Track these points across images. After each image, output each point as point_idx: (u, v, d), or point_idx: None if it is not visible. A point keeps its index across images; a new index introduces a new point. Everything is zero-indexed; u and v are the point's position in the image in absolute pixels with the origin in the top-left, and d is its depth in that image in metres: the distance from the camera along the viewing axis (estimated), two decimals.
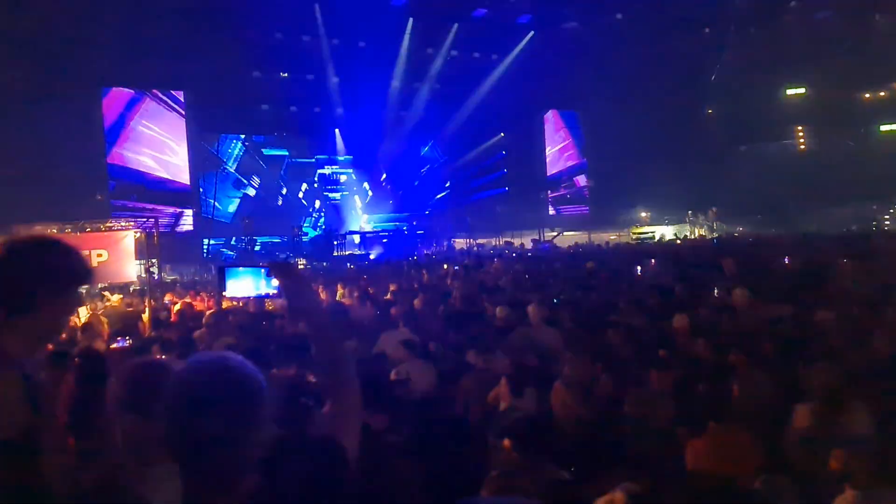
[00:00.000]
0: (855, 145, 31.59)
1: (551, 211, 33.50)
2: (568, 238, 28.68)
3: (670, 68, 29.33)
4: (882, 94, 32.04)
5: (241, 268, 2.45)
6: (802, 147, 33.51)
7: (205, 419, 1.53)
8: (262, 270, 2.35)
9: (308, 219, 28.99)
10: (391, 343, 6.75)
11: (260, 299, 8.99)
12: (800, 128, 33.43)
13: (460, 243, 28.52)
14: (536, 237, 28.73)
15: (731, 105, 31.57)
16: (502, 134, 31.73)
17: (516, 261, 18.75)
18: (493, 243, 28.55)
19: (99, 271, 14.48)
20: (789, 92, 33.01)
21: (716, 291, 9.04)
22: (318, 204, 29.62)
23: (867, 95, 32.28)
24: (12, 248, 1.96)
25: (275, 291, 2.29)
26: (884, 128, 31.86)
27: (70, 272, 2.03)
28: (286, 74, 27.63)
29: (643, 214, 31.66)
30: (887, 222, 27.52)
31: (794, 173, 29.53)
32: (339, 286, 12.72)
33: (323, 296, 11.47)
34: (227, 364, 1.62)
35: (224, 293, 2.51)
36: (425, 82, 29.85)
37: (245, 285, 2.44)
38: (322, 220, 29.38)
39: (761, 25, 30.57)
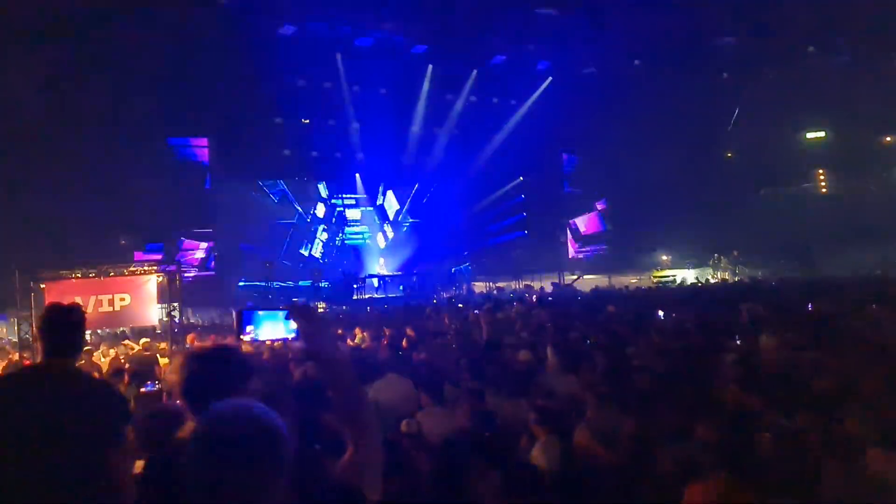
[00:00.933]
0: (876, 189, 31.40)
1: (571, 254, 33.41)
2: (588, 281, 28.54)
3: (689, 112, 29.44)
4: None
5: (260, 311, 2.44)
6: (824, 190, 33.37)
7: (230, 469, 1.52)
8: (282, 314, 2.34)
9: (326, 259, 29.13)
10: (396, 390, 6.60)
11: (282, 342, 8.93)
12: (820, 171, 33.34)
13: (480, 286, 28.48)
14: (556, 280, 28.62)
15: (751, 149, 31.56)
16: (521, 178, 31.87)
17: (536, 304, 18.64)
18: (513, 286, 28.47)
19: (121, 315, 14.62)
20: (809, 136, 33.01)
21: (737, 340, 8.91)
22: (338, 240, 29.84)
23: (888, 139, 32.18)
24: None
25: (294, 335, 2.26)
26: None
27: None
28: (307, 121, 28.07)
29: (664, 258, 31.50)
30: None
31: (815, 217, 29.35)
32: (357, 329, 12.70)
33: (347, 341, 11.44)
34: (251, 413, 1.61)
35: (242, 337, 2.49)
36: (445, 127, 30.16)
37: (264, 329, 2.42)
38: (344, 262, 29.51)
39: (780, 69, 30.70)
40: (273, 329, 2.38)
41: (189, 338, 14.47)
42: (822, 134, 32.79)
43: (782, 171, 32.18)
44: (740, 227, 28.68)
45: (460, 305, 18.82)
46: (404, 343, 10.99)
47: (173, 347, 13.72)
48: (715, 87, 30.90)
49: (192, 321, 19.56)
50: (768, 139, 31.40)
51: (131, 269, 15.49)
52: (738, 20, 28.42)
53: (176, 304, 15.56)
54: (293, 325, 2.20)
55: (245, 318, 2.43)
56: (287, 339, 2.34)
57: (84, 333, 3.28)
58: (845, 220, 27.88)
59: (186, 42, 22.31)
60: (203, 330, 16.74)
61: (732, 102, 31.53)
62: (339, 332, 12.38)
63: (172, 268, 16.12)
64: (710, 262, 29.60)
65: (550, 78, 30.46)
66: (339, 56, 26.70)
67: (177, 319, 15.58)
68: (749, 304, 11.05)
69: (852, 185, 31.63)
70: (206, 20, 22.56)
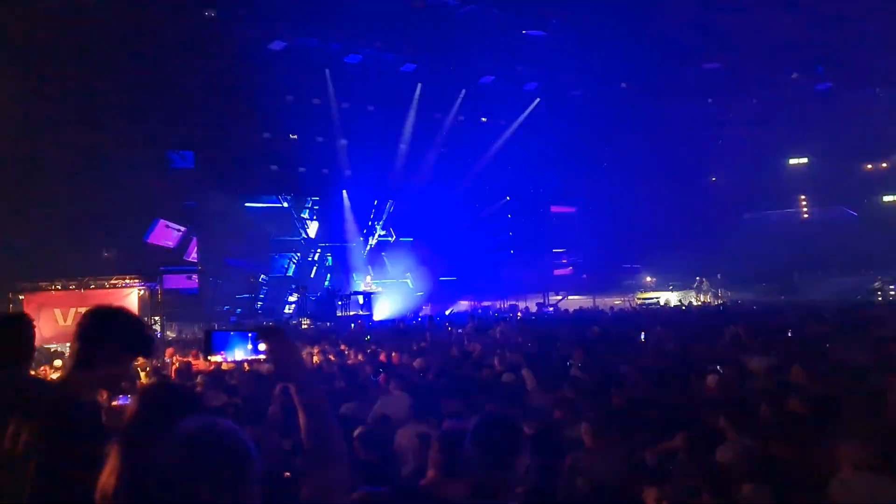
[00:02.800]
0: (858, 215, 31.79)
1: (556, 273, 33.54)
2: (572, 302, 28.63)
3: (675, 136, 29.76)
4: (883, 164, 32.42)
5: (230, 332, 2.40)
6: (806, 216, 33.73)
7: (195, 487, 1.51)
8: (250, 335, 2.30)
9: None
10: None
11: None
12: (803, 197, 33.72)
13: (465, 305, 28.48)
14: (541, 300, 28.67)
15: (735, 173, 31.89)
16: (508, 197, 31.99)
17: (521, 324, 18.67)
18: (498, 306, 28.49)
19: None
20: (792, 161, 33.40)
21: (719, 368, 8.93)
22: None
23: (869, 166, 32.63)
24: (89, 316, 2.55)
25: (263, 357, 2.22)
26: (886, 198, 32.11)
27: (128, 344, 2.58)
28: (295, 136, 28.06)
29: (648, 279, 31.65)
30: (892, 293, 27.43)
31: (797, 242, 29.65)
32: (343, 346, 12.67)
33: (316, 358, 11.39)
34: (216, 430, 1.61)
35: (209, 357, 2.45)
36: (433, 145, 30.27)
37: (233, 350, 2.39)
38: (327, 279, 29.43)
39: (764, 96, 31.11)
40: (244, 351, 2.35)
41: (168, 352, 14.33)
42: (804, 160, 33.20)
43: (765, 196, 32.52)
44: (724, 250, 28.90)
45: (448, 325, 18.80)
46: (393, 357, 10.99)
47: (154, 362, 13.57)
48: (700, 111, 31.26)
49: (173, 336, 19.38)
50: (752, 164, 31.75)
51: (112, 281, 15.38)
52: (724, 47, 28.79)
53: (157, 318, 15.46)
54: (262, 346, 2.17)
55: (215, 339, 2.40)
56: (256, 360, 2.31)
57: (27, 343, 3.20)
58: (826, 246, 28.19)
59: (174, 54, 22.27)
60: (183, 345, 16.58)
61: (717, 127, 31.87)
62: (325, 346, 12.34)
63: (155, 281, 16.03)
64: (694, 285, 29.78)
65: (538, 99, 30.69)
66: (328, 72, 26.77)
67: (158, 334, 15.46)
68: (732, 328, 11.11)
69: (834, 211, 32.00)
70: (195, 33, 22.57)
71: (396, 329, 18.78)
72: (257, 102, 23.99)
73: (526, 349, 11.51)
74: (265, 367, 9.37)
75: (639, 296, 29.21)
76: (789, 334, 12.09)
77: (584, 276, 32.84)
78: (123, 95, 21.69)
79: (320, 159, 28.66)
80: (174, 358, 13.86)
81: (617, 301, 28.30)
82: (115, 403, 7.35)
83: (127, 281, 15.52)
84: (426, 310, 26.60)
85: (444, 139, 30.27)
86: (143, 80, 21.89)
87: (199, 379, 9.39)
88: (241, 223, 27.20)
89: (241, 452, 1.58)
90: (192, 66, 22.57)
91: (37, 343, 3.27)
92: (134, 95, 21.89)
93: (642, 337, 13.00)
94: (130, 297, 14.76)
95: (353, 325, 22.56)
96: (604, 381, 7.76)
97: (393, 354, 11.83)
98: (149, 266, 22.69)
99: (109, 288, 14.92)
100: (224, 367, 10.12)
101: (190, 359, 13.27)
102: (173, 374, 11.22)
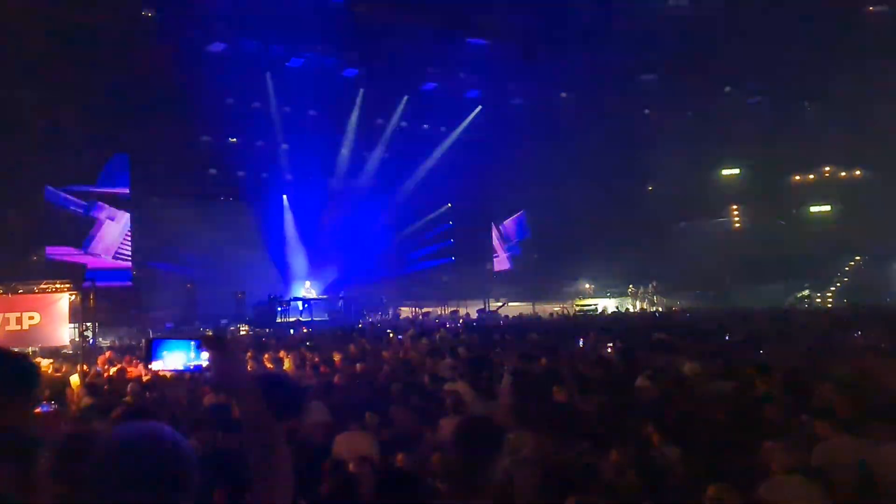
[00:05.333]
0: (787, 225, 32.96)
1: (496, 263, 33.83)
2: (513, 308, 28.88)
3: (613, 146, 30.38)
4: (811, 177, 33.71)
5: (172, 339, 2.37)
6: (737, 225, 34.81)
7: (134, 491, 1.50)
8: (193, 343, 2.27)
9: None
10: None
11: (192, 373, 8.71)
12: (735, 207, 34.80)
13: (406, 311, 28.44)
14: (482, 307, 28.84)
15: (671, 183, 32.72)
16: (449, 204, 32.10)
17: (462, 330, 18.76)
18: (439, 312, 28.54)
19: (30, 334, 14.00)
20: (725, 172, 34.44)
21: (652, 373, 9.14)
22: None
23: (797, 178, 33.90)
24: None
25: (205, 364, 2.18)
26: (813, 209, 33.39)
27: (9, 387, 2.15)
28: (235, 140, 27.62)
29: (587, 286, 32.16)
30: (819, 300, 28.55)
31: (729, 250, 30.57)
32: (282, 353, 12.50)
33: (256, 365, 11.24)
34: (157, 434, 1.60)
35: (150, 366, 2.41)
36: (374, 151, 30.19)
37: (175, 358, 2.36)
38: None
39: (699, 108, 32.04)
40: (184, 358, 2.32)
41: (100, 359, 13.93)
42: (737, 171, 34.28)
43: (700, 206, 33.43)
44: (660, 258, 29.62)
45: (389, 331, 18.74)
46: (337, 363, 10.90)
47: (86, 369, 13.18)
48: (638, 122, 31.99)
49: (110, 341, 18.83)
50: (687, 174, 32.63)
51: (42, 286, 14.87)
52: (662, 59, 29.60)
53: (89, 325, 15.01)
54: (205, 355, 2.13)
55: (155, 347, 2.37)
56: (199, 367, 2.28)
57: None
58: (757, 254, 29.14)
59: (109, 53, 21.70)
60: (118, 351, 16.13)
61: (654, 137, 32.67)
62: (267, 356, 12.16)
63: (87, 285, 15.56)
64: (630, 292, 30.38)
65: (480, 107, 30.93)
66: (269, 76, 26.47)
67: (90, 340, 15.02)
68: (662, 334, 11.38)
69: (764, 221, 33.12)
70: (132, 32, 22.07)
71: (335, 335, 18.63)
72: (196, 105, 23.52)
73: (466, 355, 11.57)
74: (207, 377, 9.20)
75: (577, 302, 29.64)
76: (727, 338, 12.49)
77: (522, 268, 33.00)
78: (56, 95, 21.02)
79: (260, 163, 28.27)
80: (106, 366, 13.47)
81: (556, 308, 28.66)
82: (37, 411, 7.11)
83: (57, 285, 15.01)
84: (373, 317, 26.46)
85: (386, 145, 30.23)
86: (78, 80, 21.25)
87: (130, 387, 9.15)
88: (179, 227, 26.61)
89: (181, 454, 1.57)
90: (128, 66, 22.00)
91: None
92: (67, 95, 21.24)
93: (580, 343, 13.21)
94: (61, 302, 14.27)
95: (292, 330, 22.32)
96: (542, 383, 7.85)
97: (335, 358, 11.76)
98: (80, 270, 22.04)
99: (39, 293, 14.39)
100: (162, 374, 9.90)
101: (124, 365, 12.92)
102: (105, 383, 10.90)
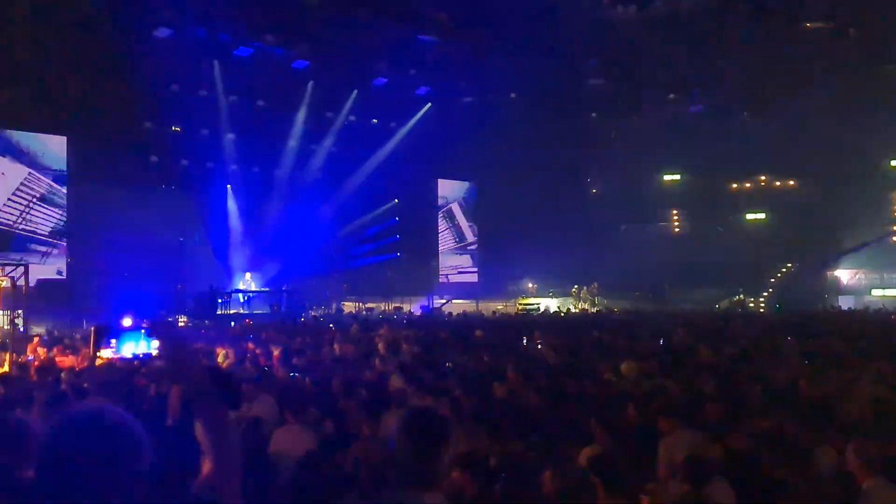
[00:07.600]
0: (724, 230, 33.95)
1: (441, 279, 33.88)
2: (457, 306, 29.03)
3: (559, 148, 30.81)
4: (748, 184, 34.81)
5: (121, 329, 2.37)
6: (677, 229, 35.70)
7: (82, 472, 1.51)
8: (143, 331, 2.28)
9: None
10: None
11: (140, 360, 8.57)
12: (675, 211, 35.69)
13: (349, 306, 28.32)
14: (426, 303, 28.92)
15: (614, 186, 33.34)
16: (396, 200, 32.06)
17: (405, 326, 18.79)
18: (383, 307, 28.50)
19: None
20: (666, 177, 35.28)
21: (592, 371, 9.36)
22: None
23: (735, 185, 34.95)
24: None
25: (156, 352, 2.19)
26: (749, 216, 34.48)
27: None
28: (178, 129, 27.04)
29: (530, 286, 32.54)
30: (752, 304, 29.49)
31: (669, 253, 31.34)
32: (219, 349, 12.33)
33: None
34: (104, 416, 1.61)
35: (100, 354, 2.40)
36: (322, 144, 29.93)
37: (125, 346, 2.36)
38: None
39: (643, 114, 32.73)
40: (134, 346, 2.32)
41: (30, 348, 13.48)
42: (678, 176, 35.14)
43: (642, 209, 34.17)
44: (602, 260, 30.16)
45: (331, 325, 18.65)
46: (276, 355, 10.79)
47: (15, 358, 12.78)
48: (584, 125, 32.51)
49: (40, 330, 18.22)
50: (630, 177, 33.30)
51: None
52: (609, 65, 30.13)
53: (20, 312, 14.54)
54: (155, 342, 2.14)
55: (104, 335, 2.36)
56: (149, 355, 2.29)
57: None
58: (695, 259, 29.95)
59: (53, 34, 21.04)
60: (49, 341, 15.62)
61: (600, 141, 33.23)
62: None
63: (19, 272, 15.06)
64: (572, 293, 30.86)
65: (429, 104, 30.97)
66: (216, 63, 26.00)
67: (21, 328, 14.53)
68: (600, 333, 11.62)
69: (703, 226, 34.06)
70: (74, 14, 21.41)
71: (278, 328, 18.44)
72: (139, 90, 22.92)
73: (410, 352, 11.62)
74: (157, 364, 9.00)
75: (520, 301, 29.95)
76: (661, 342, 12.80)
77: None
78: None
79: (205, 153, 27.73)
80: (36, 353, 13.06)
81: (499, 306, 28.93)
82: None
83: None
84: (315, 311, 26.26)
85: (334, 139, 30.00)
86: (15, 59, 20.54)
87: (63, 376, 8.88)
88: (117, 214, 25.93)
89: (128, 435, 1.58)
90: (69, 47, 21.35)
91: None
92: (5, 75, 20.51)
93: (524, 341, 13.40)
94: None
95: (232, 323, 22.00)
96: (485, 379, 7.95)
97: (273, 352, 11.63)
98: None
99: None
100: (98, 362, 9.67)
101: (55, 354, 12.55)
102: (33, 372, 10.56)
